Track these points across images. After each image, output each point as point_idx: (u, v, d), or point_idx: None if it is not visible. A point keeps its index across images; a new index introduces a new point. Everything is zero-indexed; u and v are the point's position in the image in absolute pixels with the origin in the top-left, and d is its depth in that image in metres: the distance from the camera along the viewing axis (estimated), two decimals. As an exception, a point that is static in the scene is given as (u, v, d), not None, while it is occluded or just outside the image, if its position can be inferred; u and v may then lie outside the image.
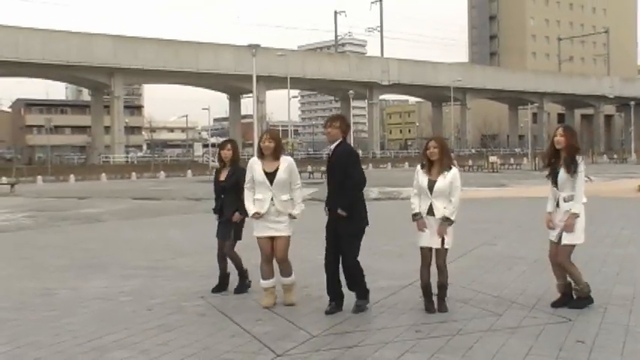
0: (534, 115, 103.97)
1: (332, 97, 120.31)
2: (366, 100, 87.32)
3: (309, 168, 45.24)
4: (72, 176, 45.25)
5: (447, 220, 6.20)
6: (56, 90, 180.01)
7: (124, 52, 65.98)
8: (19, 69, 63.68)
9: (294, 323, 5.95)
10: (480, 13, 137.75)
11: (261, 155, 6.65)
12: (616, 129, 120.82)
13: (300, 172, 28.16)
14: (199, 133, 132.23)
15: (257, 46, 26.37)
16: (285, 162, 6.62)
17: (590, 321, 5.86)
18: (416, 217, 6.32)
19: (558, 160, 6.37)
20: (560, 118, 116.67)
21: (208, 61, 70.38)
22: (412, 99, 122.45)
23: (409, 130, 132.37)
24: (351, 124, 64.02)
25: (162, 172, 50.58)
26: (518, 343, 5.24)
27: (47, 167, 52.12)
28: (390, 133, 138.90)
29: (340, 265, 6.42)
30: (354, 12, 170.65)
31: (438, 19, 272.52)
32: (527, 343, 5.21)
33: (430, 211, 6.25)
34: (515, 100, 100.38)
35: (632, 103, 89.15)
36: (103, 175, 47.18)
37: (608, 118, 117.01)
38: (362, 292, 6.47)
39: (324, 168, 46.79)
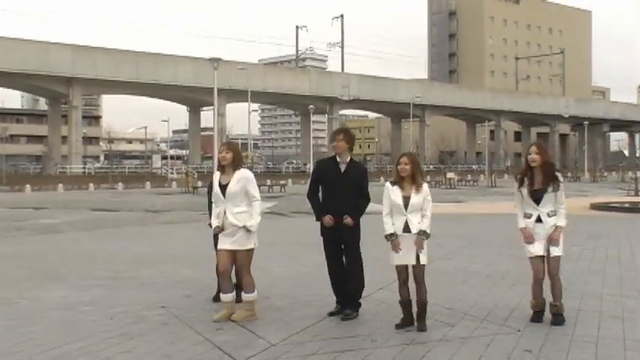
0: (492, 132, 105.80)
1: (292, 112, 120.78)
2: (327, 115, 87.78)
3: (269, 182, 45.33)
4: (28, 186, 44.57)
5: (424, 234, 6.22)
6: (11, 98, 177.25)
7: (82, 62, 65.34)
8: (-27, 77, 62.68)
9: (254, 332, 6.11)
10: (440, 32, 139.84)
11: (221, 168, 6.67)
12: (571, 148, 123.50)
13: (259, 186, 28.18)
14: (158, 145, 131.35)
15: (218, 59, 26.46)
16: (239, 174, 6.57)
17: (538, 332, 6.14)
18: (392, 237, 6.24)
19: (532, 178, 6.49)
20: (517, 135, 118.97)
21: (168, 73, 70.10)
22: (372, 114, 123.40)
23: (368, 146, 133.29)
24: (311, 139, 63.88)
25: (120, 184, 50.13)
26: (468, 352, 5.48)
27: (1, 177, 51.27)
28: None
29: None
30: (316, 27, 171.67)
31: (399, 36, 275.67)
32: (478, 352, 5.46)
33: (406, 228, 6.22)
34: (473, 117, 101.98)
35: (586, 123, 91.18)
36: (60, 185, 46.58)
37: (564, 137, 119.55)
38: (356, 302, 6.85)
39: (283, 181, 47.04)
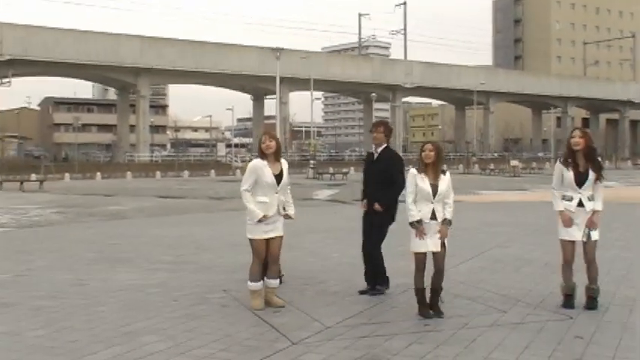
0: (558, 119, 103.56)
1: (355, 100, 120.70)
2: (389, 103, 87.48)
3: (331, 169, 45.59)
4: (98, 174, 46.06)
5: (449, 223, 6.30)
6: (83, 89, 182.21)
7: (150, 53, 66.89)
8: (47, 68, 64.86)
9: (310, 315, 6.34)
10: (505, 17, 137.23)
11: (263, 156, 6.67)
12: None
13: (321, 174, 29.05)
14: (223, 133, 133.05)
15: (281, 49, 26.82)
16: (286, 165, 6.76)
17: (591, 319, 6.19)
18: (419, 224, 6.25)
19: (576, 161, 6.54)
20: (585, 122, 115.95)
21: (232, 63, 71.04)
22: (435, 102, 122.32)
23: (432, 133, 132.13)
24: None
25: (185, 171, 51.24)
26: (518, 337, 5.59)
27: (74, 165, 53.02)
28: (414, 135, 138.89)
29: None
30: (379, 14, 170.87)
31: (462, 23, 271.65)
32: (528, 337, 5.56)
33: (432, 216, 6.27)
34: (538, 104, 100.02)
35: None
36: (129, 173, 47.94)
37: (634, 123, 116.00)
38: (382, 278, 7.32)
39: (345, 169, 47.27)
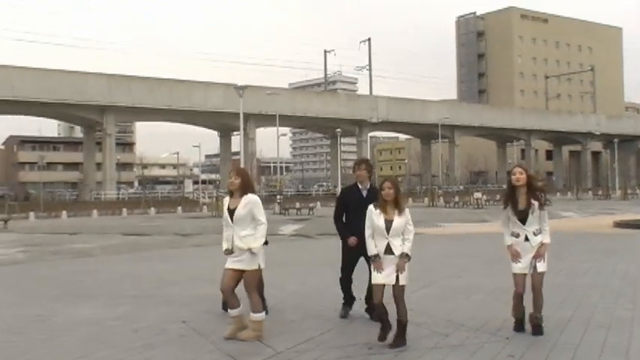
0: (522, 151, 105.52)
1: (322, 135, 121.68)
2: (356, 137, 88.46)
3: (297, 204, 45.95)
4: (64, 212, 45.80)
5: (406, 257, 6.50)
6: (49, 127, 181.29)
7: (116, 90, 67.10)
8: (11, 107, 64.62)
9: (263, 342, 6.68)
10: (469, 52, 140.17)
11: (230, 192, 7.02)
12: (603, 166, 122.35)
13: (288, 209, 29.38)
14: (191, 170, 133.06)
15: (244, 87, 27.35)
16: (246, 199, 6.87)
17: (524, 340, 6.64)
18: (376, 258, 6.54)
19: (515, 198, 6.92)
20: (549, 154, 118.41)
21: (199, 100, 71.52)
22: (402, 136, 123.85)
23: (399, 167, 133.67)
24: (339, 161, 64.35)
25: (152, 209, 51.19)
26: (456, 357, 6.01)
27: (39, 203, 52.70)
28: (381, 169, 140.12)
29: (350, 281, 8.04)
30: (346, 51, 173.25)
31: (427, 58, 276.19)
32: (464, 357, 5.99)
33: (387, 250, 6.53)
34: (503, 137, 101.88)
35: (616, 140, 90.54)
36: (95, 211, 47.76)
37: (596, 154, 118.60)
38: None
39: (312, 204, 47.68)
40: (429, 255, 15.65)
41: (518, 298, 7.00)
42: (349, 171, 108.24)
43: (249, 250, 6.83)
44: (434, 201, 57.61)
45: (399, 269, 6.48)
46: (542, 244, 6.91)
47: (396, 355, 6.11)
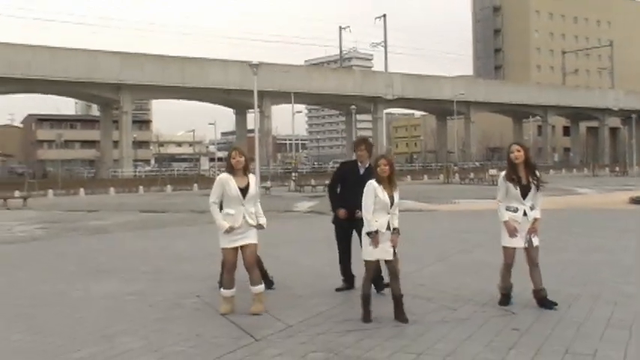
0: (539, 127, 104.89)
1: (338, 112, 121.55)
2: (371, 115, 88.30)
3: (312, 181, 46.08)
4: (82, 190, 46.30)
5: (398, 232, 6.72)
6: (66, 105, 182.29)
7: (130, 69, 67.26)
8: (29, 86, 65.09)
9: (275, 316, 6.86)
10: (485, 27, 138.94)
11: (231, 171, 7.15)
12: (621, 142, 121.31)
13: (303, 186, 29.73)
14: (207, 147, 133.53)
15: (258, 64, 27.43)
16: (254, 178, 7.22)
17: (531, 314, 6.76)
18: (375, 234, 6.59)
19: (517, 174, 7.10)
20: (565, 130, 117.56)
21: (214, 77, 71.58)
22: (418, 113, 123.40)
23: (415, 144, 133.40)
24: (354, 138, 64.49)
25: (169, 186, 51.59)
26: (462, 330, 6.15)
27: (58, 181, 53.23)
28: (397, 146, 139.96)
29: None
30: (361, 27, 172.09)
31: (443, 34, 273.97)
32: (470, 331, 6.12)
33: (388, 226, 6.65)
34: (519, 113, 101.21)
35: (634, 115, 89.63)
36: (112, 188, 48.21)
37: (614, 130, 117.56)
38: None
39: (327, 181, 47.79)
40: (441, 231, 15.81)
41: (507, 269, 7.16)
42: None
43: (259, 225, 7.13)
44: (449, 177, 57.58)
45: (394, 244, 6.65)
46: (535, 219, 7.08)
47: (403, 329, 6.26)
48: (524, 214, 7.05)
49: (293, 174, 52.90)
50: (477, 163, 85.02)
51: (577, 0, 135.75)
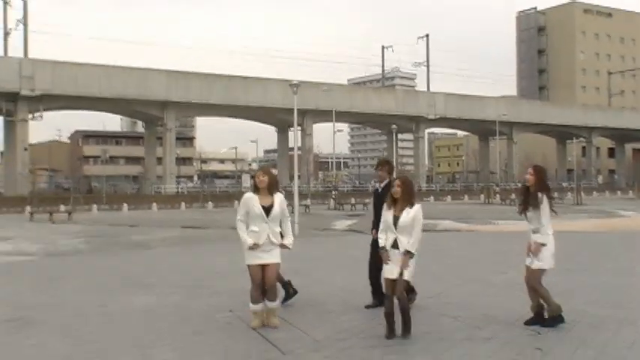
0: (583, 148, 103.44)
1: (379, 131, 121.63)
2: (413, 134, 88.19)
3: (352, 200, 46.23)
4: (125, 205, 47.16)
5: (408, 254, 6.74)
6: (112, 121, 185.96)
7: (176, 87, 68.48)
8: (77, 102, 66.67)
9: (304, 331, 7.08)
10: (529, 47, 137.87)
11: (256, 190, 7.38)
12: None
13: (342, 204, 29.95)
14: (250, 165, 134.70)
15: (298, 84, 27.82)
16: (279, 197, 7.37)
17: (556, 335, 6.85)
18: (382, 250, 6.89)
19: (527, 197, 7.31)
20: (611, 152, 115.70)
21: (257, 95, 72.42)
22: (461, 132, 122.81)
23: (457, 164, 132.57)
24: (397, 158, 64.27)
25: (210, 203, 52.24)
26: (485, 348, 6.28)
27: (102, 196, 54.36)
28: (439, 166, 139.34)
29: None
30: (405, 46, 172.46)
31: (487, 54, 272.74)
32: (493, 349, 6.25)
33: (395, 245, 6.80)
34: (563, 134, 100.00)
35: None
36: (154, 204, 49.01)
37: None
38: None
39: (367, 200, 47.97)
40: (479, 251, 15.87)
41: (528, 290, 7.35)
42: (405, 167, 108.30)
43: (282, 245, 7.33)
44: (490, 198, 57.19)
45: (403, 265, 6.73)
46: (534, 242, 7.22)
47: (429, 345, 6.41)
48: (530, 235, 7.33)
49: (333, 192, 53.11)
50: (519, 184, 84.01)
51: (623, 20, 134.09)
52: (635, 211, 38.45)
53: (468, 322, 7.47)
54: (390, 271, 6.82)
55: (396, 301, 6.76)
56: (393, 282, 6.80)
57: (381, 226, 7.02)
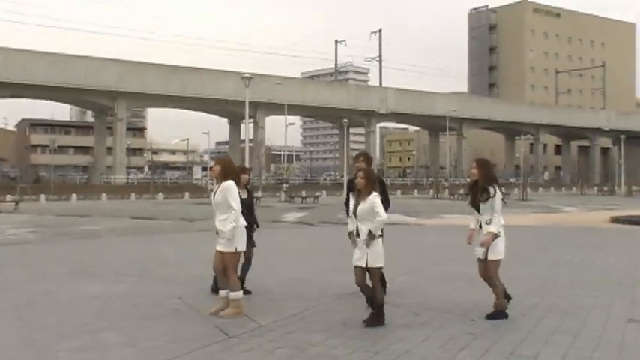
0: (531, 145, 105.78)
1: (332, 125, 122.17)
2: (364, 128, 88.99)
3: (303, 193, 46.55)
4: (74, 195, 46.70)
5: (369, 234, 6.97)
6: (61, 111, 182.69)
7: (129, 77, 67.86)
8: (25, 90, 65.53)
9: (250, 317, 7.35)
10: (480, 45, 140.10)
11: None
12: (612, 161, 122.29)
13: (293, 197, 30.25)
14: (201, 157, 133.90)
15: (250, 77, 28.03)
16: (223, 185, 7.45)
17: (487, 321, 7.26)
18: (350, 235, 7.18)
19: (475, 189, 7.71)
20: (557, 149, 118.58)
21: (210, 87, 72.21)
22: (412, 128, 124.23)
23: (408, 159, 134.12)
24: (349, 152, 64.84)
25: (160, 194, 52.01)
26: (420, 333, 6.66)
27: (50, 186, 53.61)
28: (390, 160, 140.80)
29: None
30: (359, 42, 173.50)
31: (439, 50, 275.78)
32: (428, 333, 6.64)
33: (357, 232, 7.09)
34: (511, 130, 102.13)
35: (623, 136, 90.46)
36: (104, 195, 48.63)
37: (605, 150, 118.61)
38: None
39: (317, 193, 48.39)
40: (423, 244, 16.34)
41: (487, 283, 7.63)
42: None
43: (219, 231, 7.51)
44: (439, 193, 58.20)
45: (367, 245, 6.98)
46: (487, 232, 7.43)
47: (368, 331, 6.76)
48: (480, 227, 7.55)
49: (284, 185, 53.44)
50: (468, 179, 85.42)
51: (572, 20, 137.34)
52: (575, 207, 39.72)
53: (408, 309, 7.85)
54: (356, 259, 7.07)
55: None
56: (361, 271, 7.06)
57: (349, 213, 7.40)
